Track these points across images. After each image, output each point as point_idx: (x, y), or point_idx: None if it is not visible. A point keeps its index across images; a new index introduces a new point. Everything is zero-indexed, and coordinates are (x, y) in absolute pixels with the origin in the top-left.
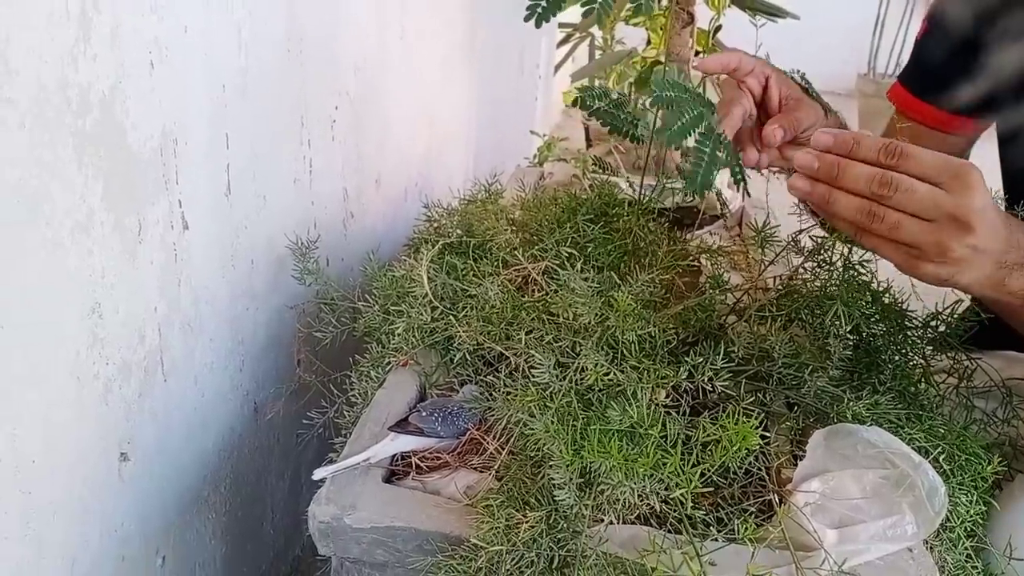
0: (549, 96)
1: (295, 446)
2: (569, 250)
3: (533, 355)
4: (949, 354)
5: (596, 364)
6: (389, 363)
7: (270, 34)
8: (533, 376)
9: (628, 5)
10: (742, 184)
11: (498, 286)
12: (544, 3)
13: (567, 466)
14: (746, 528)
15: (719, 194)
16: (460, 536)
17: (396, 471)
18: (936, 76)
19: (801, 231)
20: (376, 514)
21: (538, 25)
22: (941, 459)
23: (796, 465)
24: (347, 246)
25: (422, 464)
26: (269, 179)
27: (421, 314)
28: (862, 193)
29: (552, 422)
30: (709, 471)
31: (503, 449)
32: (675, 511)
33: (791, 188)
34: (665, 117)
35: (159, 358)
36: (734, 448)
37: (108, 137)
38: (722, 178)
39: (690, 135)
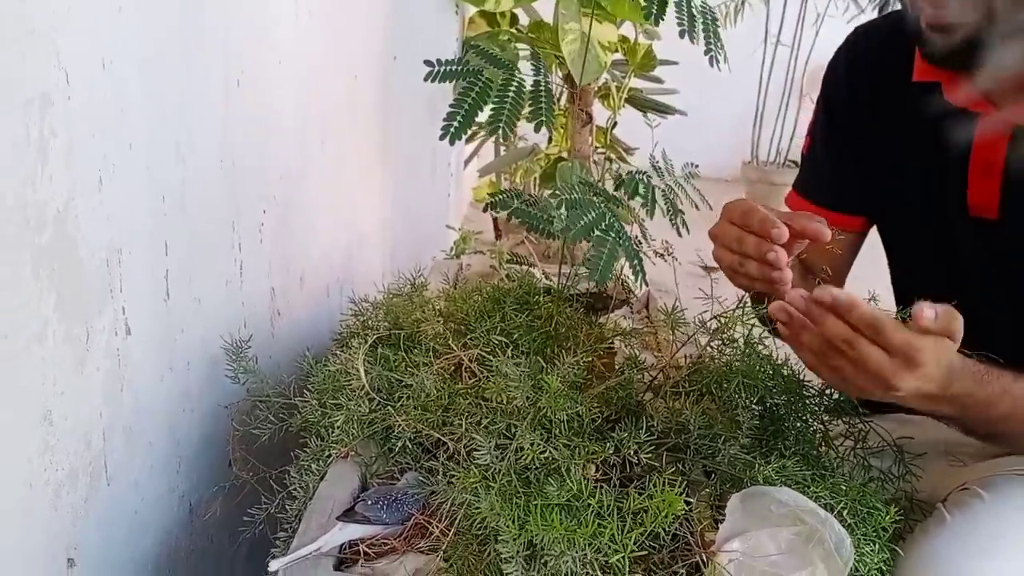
0: (459, 191)
1: (230, 545)
2: (499, 338)
3: (475, 438)
4: (845, 419)
5: (532, 444)
6: (330, 455)
7: (205, 148)
8: (474, 458)
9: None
10: (640, 276)
11: (432, 375)
12: (456, 123)
13: (514, 540)
14: None
15: (623, 281)
16: None
17: (345, 559)
18: (823, 183)
19: (708, 315)
20: None
21: (452, 143)
22: (845, 513)
23: (717, 528)
24: (275, 344)
25: (370, 551)
26: (204, 282)
27: (359, 406)
28: (830, 341)
29: (496, 500)
30: (641, 537)
31: (449, 531)
32: None
33: (772, 311)
34: (569, 216)
35: (103, 463)
36: (662, 515)
37: (61, 251)
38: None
39: (591, 233)
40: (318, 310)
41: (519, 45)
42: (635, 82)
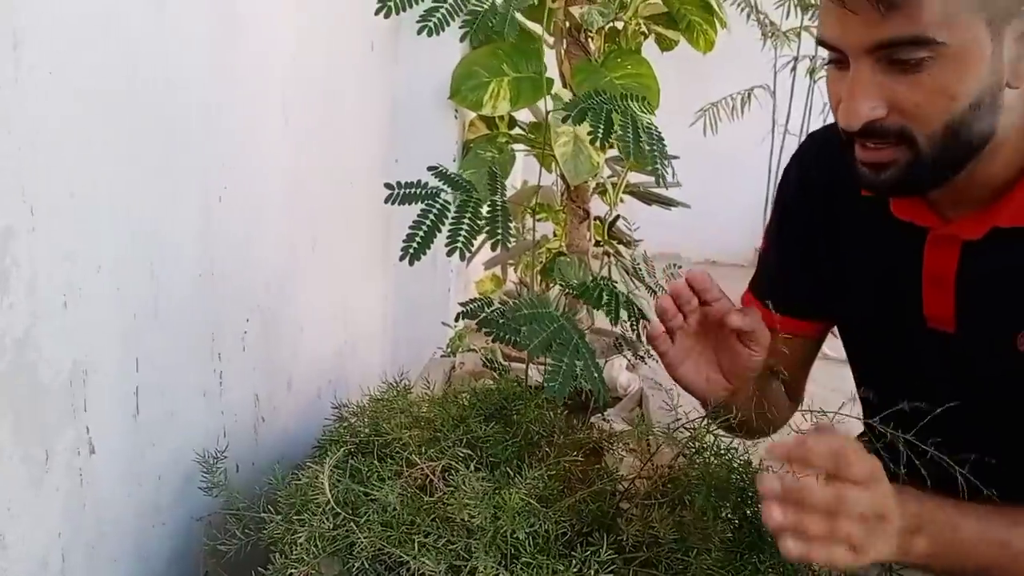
0: (462, 285)
1: None
2: (464, 450)
3: (424, 562)
4: None
5: (486, 567)
6: (292, 574)
7: (181, 264)
8: None
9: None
10: (599, 389)
11: (400, 488)
12: (415, 245)
13: None
14: None
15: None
16: None
17: None
18: (775, 287)
19: (680, 423)
20: None
21: (411, 263)
22: None
23: None
24: (258, 451)
25: None
26: (178, 395)
27: (323, 522)
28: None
29: None
30: None
31: None
32: None
33: (766, 520)
34: (528, 331)
35: None
36: None
37: (20, 376)
38: (621, 363)
39: (551, 347)
40: (308, 413)
41: (516, 147)
42: (637, 176)
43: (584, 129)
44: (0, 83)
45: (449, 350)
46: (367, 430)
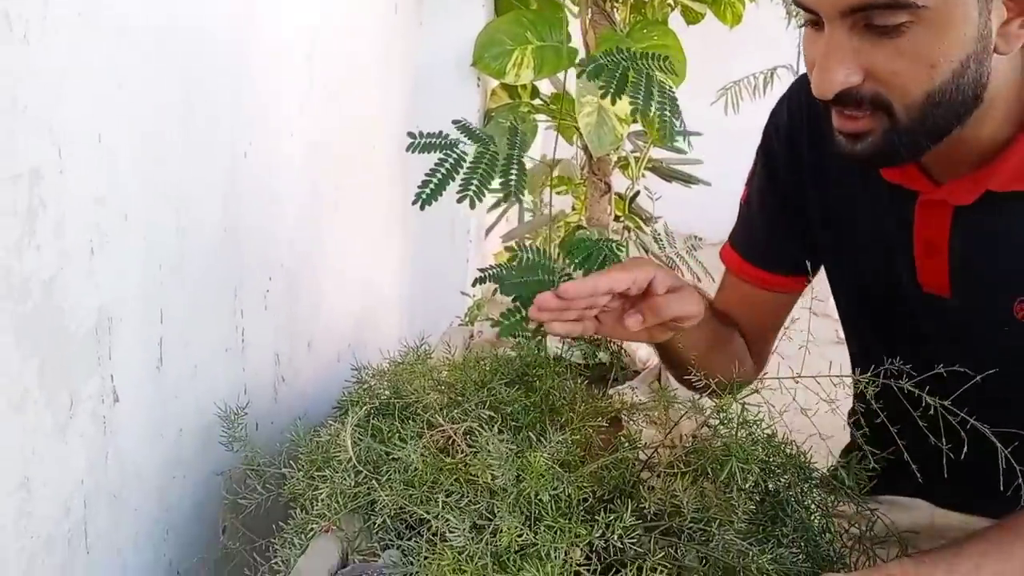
0: (481, 258)
1: None
2: (488, 412)
3: (448, 518)
4: (850, 505)
5: (510, 526)
6: (312, 529)
7: (207, 217)
8: (448, 540)
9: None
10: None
11: (421, 449)
12: (428, 191)
13: None
14: None
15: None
16: None
17: None
18: (756, 240)
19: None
20: None
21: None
22: None
23: None
24: (277, 410)
25: None
26: (201, 349)
27: (344, 479)
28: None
29: None
30: None
31: None
32: None
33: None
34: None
35: (83, 530)
36: None
37: (46, 321)
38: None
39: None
40: (327, 376)
41: (539, 116)
42: (658, 152)
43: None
44: (29, 20)
45: (467, 319)
46: (387, 392)
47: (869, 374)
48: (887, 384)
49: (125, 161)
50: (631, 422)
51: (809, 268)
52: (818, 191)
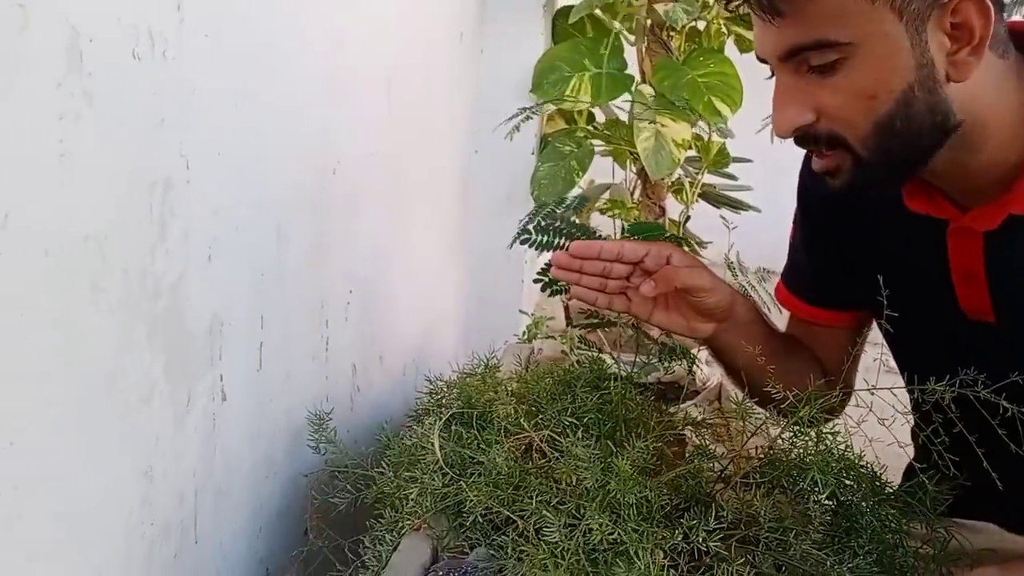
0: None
1: None
2: (569, 419)
3: (545, 515)
4: (925, 523)
5: (601, 525)
6: (403, 527)
7: (300, 231)
8: (543, 536)
9: (602, 198)
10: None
11: (504, 453)
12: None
13: None
14: None
15: (691, 369)
16: None
17: None
18: (805, 279)
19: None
20: None
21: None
22: None
23: None
24: (353, 419)
25: None
26: (293, 356)
27: (433, 480)
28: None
29: None
30: None
31: None
32: None
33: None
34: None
35: (193, 521)
36: None
37: (172, 319)
38: (701, 356)
39: None
40: (395, 388)
41: (595, 141)
42: (709, 178)
43: (667, 125)
44: (168, 39)
45: (526, 337)
46: (459, 403)
47: (945, 383)
48: (947, 407)
49: (237, 175)
50: (696, 437)
51: (858, 303)
52: (853, 229)
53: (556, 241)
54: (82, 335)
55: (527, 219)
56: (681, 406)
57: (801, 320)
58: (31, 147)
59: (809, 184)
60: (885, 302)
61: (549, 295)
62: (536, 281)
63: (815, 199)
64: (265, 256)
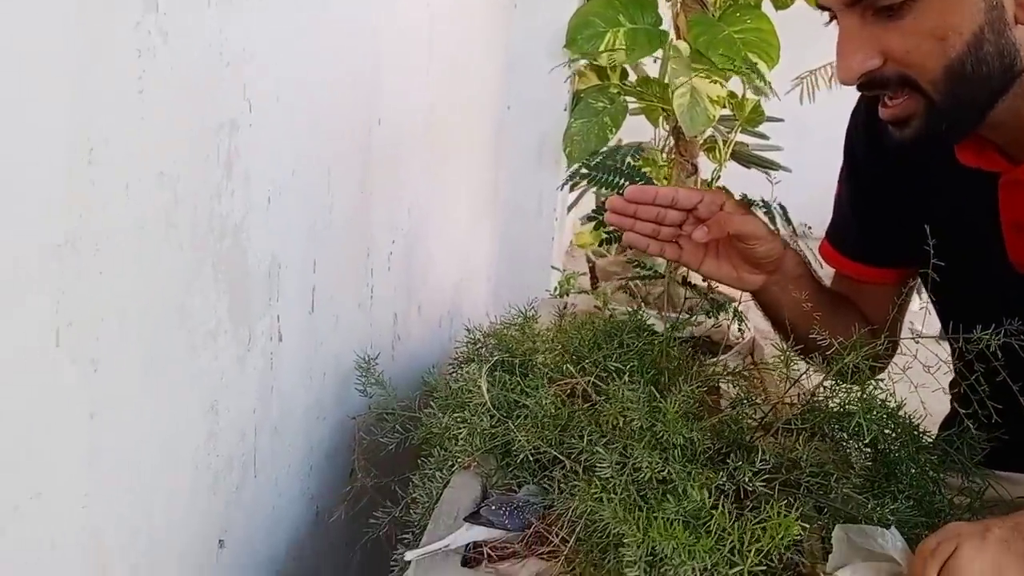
0: (561, 236)
1: (345, 552)
2: (616, 364)
3: (598, 451)
4: (961, 474)
5: (651, 462)
6: (452, 465)
7: (350, 178)
8: (595, 471)
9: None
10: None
11: (550, 397)
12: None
13: (637, 546)
14: None
15: (741, 322)
16: None
17: (468, 559)
18: (850, 235)
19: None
20: None
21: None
22: None
23: (824, 561)
24: (394, 366)
25: (493, 553)
26: (342, 302)
27: (481, 420)
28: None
29: (619, 509)
30: (758, 555)
31: (569, 539)
32: None
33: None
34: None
35: (252, 457)
36: (779, 536)
37: (235, 259)
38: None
39: None
40: (432, 339)
41: (627, 98)
42: (741, 138)
43: (702, 81)
44: None
45: (557, 293)
46: (499, 352)
47: (991, 331)
48: (989, 358)
49: (292, 121)
50: (734, 388)
51: (904, 260)
52: (901, 183)
53: (616, 180)
54: (157, 271)
55: (579, 165)
56: (716, 359)
57: (846, 277)
58: (114, 82)
59: (856, 140)
60: (932, 251)
61: (601, 244)
62: (589, 219)
63: (864, 155)
64: (317, 202)
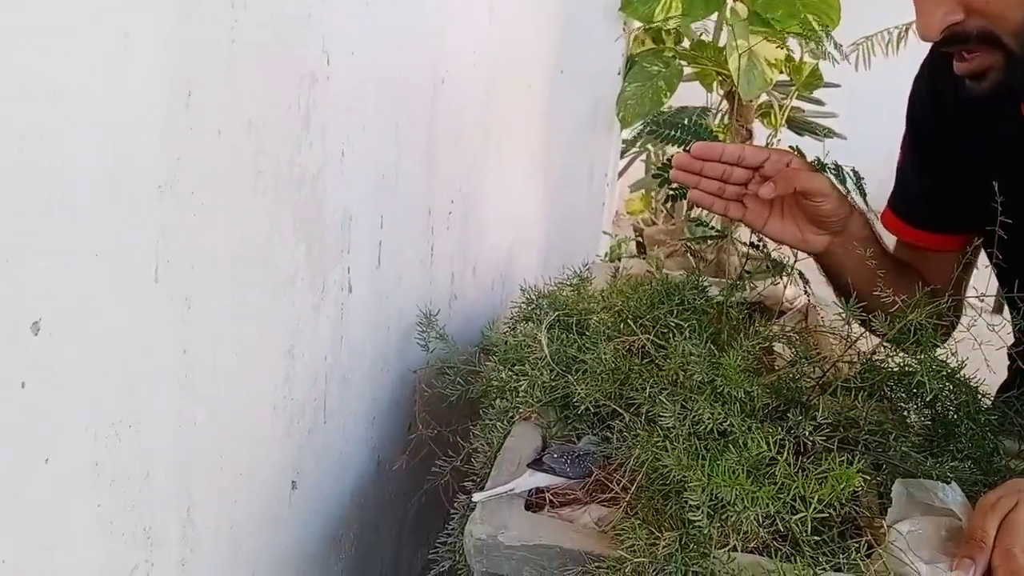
0: (613, 202)
1: (404, 502)
2: (676, 320)
3: (661, 400)
4: (1017, 439)
5: (713, 413)
6: (512, 416)
7: (414, 137)
8: (658, 421)
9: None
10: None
11: (610, 351)
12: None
13: (702, 490)
14: (856, 553)
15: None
16: (601, 554)
17: (531, 504)
18: (913, 202)
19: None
20: (525, 534)
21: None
22: None
23: (881, 515)
24: (450, 324)
25: (554, 499)
26: (405, 258)
27: (541, 374)
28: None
29: (683, 457)
30: (820, 504)
31: (631, 486)
32: (784, 546)
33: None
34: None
35: (323, 403)
36: (841, 487)
37: (312, 209)
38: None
39: None
40: (485, 300)
41: (682, 62)
42: (795, 103)
43: (759, 44)
44: None
45: (608, 258)
46: (555, 311)
47: None
48: None
49: (364, 77)
50: (789, 349)
51: (967, 226)
52: (968, 146)
53: (683, 137)
54: (244, 216)
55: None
56: (772, 321)
57: (909, 245)
58: (209, 30)
59: (920, 104)
60: (999, 208)
61: (666, 200)
62: (655, 176)
63: (928, 119)
64: (386, 158)
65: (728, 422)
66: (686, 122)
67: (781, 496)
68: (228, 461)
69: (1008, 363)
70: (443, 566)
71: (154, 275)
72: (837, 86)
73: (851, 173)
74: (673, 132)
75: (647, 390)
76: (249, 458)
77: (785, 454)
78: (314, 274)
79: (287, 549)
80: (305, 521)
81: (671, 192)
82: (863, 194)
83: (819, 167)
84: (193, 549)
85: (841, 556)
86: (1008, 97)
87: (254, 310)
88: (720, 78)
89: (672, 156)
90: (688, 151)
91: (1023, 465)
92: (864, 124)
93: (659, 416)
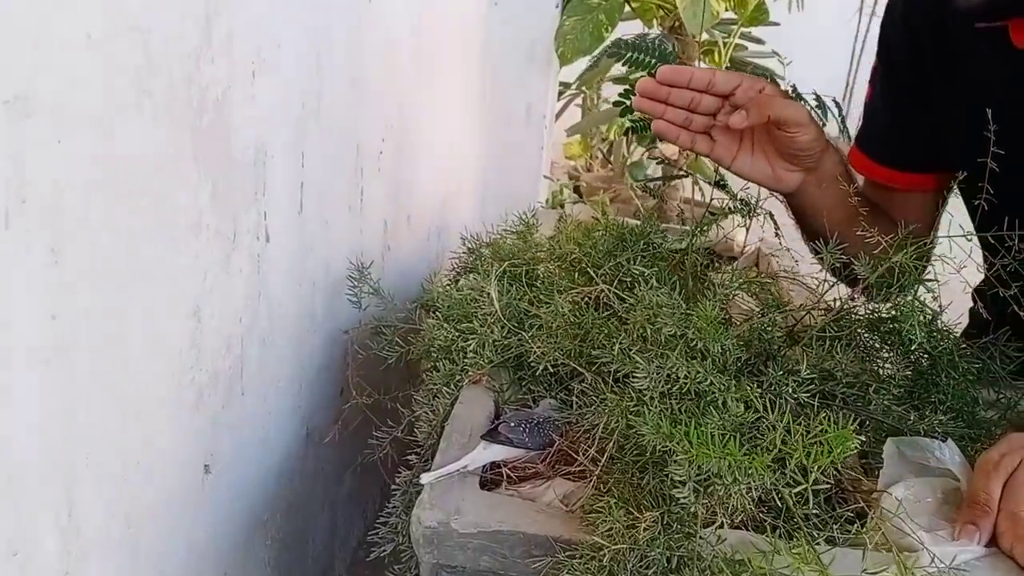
0: (551, 146)
1: (338, 477)
2: (640, 268)
3: (635, 358)
4: (994, 388)
5: (690, 371)
6: (460, 380)
7: (338, 64)
8: (631, 381)
9: (617, 66)
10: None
11: (568, 305)
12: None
13: (689, 463)
14: (854, 525)
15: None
16: (570, 539)
17: (486, 481)
18: (883, 139)
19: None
20: (482, 518)
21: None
22: None
23: (867, 477)
24: (385, 278)
25: (512, 474)
26: (331, 203)
27: (491, 331)
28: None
29: (664, 423)
30: (821, 471)
31: (600, 456)
32: (769, 518)
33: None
34: None
35: (240, 371)
36: (837, 451)
37: (218, 140)
38: (739, 223)
39: None
40: (421, 251)
41: None
42: (737, 41)
43: None
44: None
45: (550, 204)
46: (499, 262)
47: None
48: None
49: None
50: (749, 298)
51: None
52: (944, 79)
53: (646, 60)
54: (127, 141)
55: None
56: (724, 269)
57: (878, 185)
58: None
59: (892, 35)
60: (992, 138)
61: (626, 131)
62: (616, 104)
63: (903, 52)
64: (306, 85)
65: (708, 381)
66: (651, 44)
67: (773, 465)
68: (118, 449)
69: (971, 307)
70: (385, 549)
71: (4, 220)
72: (776, 24)
73: (833, 103)
74: (637, 55)
75: (614, 347)
76: (145, 444)
77: (767, 415)
78: (222, 220)
79: (204, 541)
80: (224, 507)
81: (632, 122)
82: (846, 130)
83: (795, 96)
84: (79, 559)
85: (833, 526)
86: (999, 12)
87: (146, 264)
88: (662, 12)
89: (635, 82)
90: (654, 75)
91: (1001, 415)
92: (804, 63)
93: (631, 376)
